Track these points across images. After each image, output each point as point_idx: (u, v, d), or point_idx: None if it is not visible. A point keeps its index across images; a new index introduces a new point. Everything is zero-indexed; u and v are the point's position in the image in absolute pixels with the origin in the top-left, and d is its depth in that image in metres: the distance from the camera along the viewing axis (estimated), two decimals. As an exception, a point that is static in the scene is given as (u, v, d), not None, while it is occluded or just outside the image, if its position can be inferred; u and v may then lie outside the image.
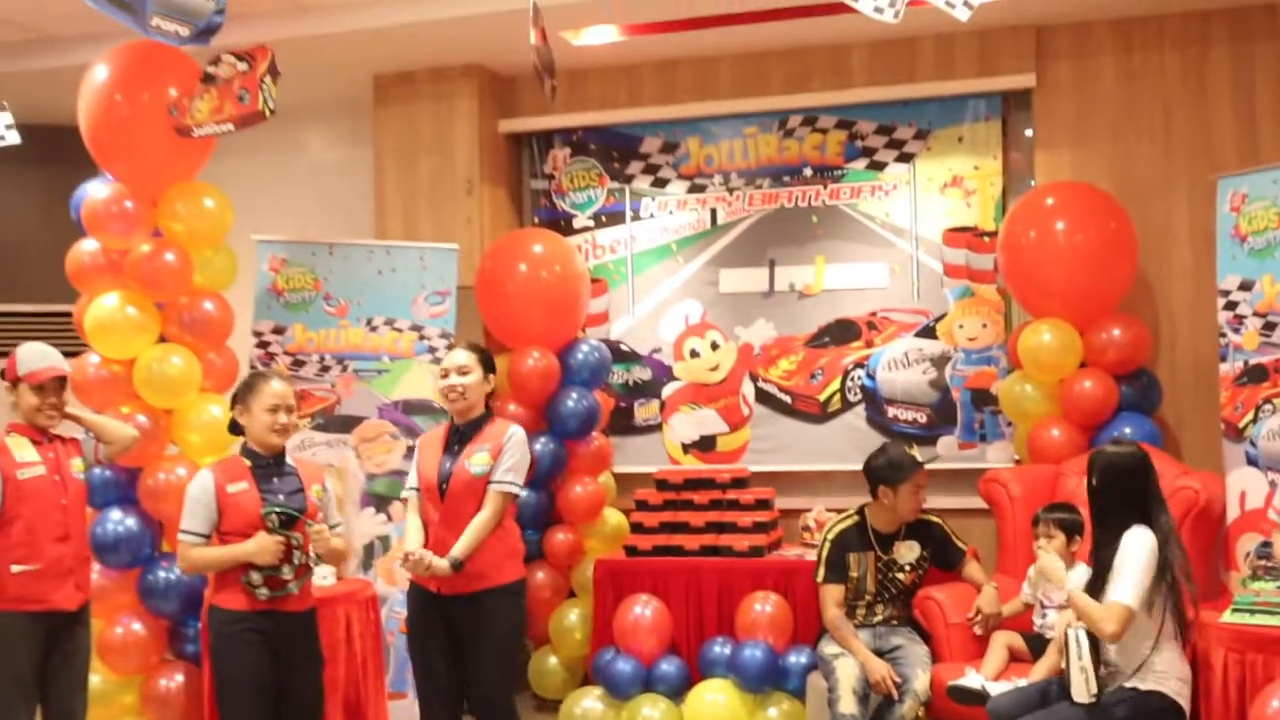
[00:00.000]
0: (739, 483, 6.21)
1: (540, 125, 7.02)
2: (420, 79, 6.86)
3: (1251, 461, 5.01)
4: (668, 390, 6.89)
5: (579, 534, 6.40)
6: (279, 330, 5.84)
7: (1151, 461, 4.37)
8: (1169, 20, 6.12)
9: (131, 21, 4.45)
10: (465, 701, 4.40)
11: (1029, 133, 6.44)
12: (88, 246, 5.21)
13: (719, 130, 6.84)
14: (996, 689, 4.52)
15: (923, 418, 6.49)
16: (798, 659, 5.51)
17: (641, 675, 5.74)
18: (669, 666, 5.76)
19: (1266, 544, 4.65)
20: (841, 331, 6.63)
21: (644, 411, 6.93)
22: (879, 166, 6.60)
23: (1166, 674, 4.20)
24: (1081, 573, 4.49)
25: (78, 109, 5.21)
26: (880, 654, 4.95)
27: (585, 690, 5.90)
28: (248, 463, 4.20)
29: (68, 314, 5.40)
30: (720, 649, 5.67)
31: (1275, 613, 4.36)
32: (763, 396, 6.74)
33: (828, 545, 5.15)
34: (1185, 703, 4.23)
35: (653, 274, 6.94)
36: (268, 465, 4.22)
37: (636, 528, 6.15)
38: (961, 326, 6.46)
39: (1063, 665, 4.26)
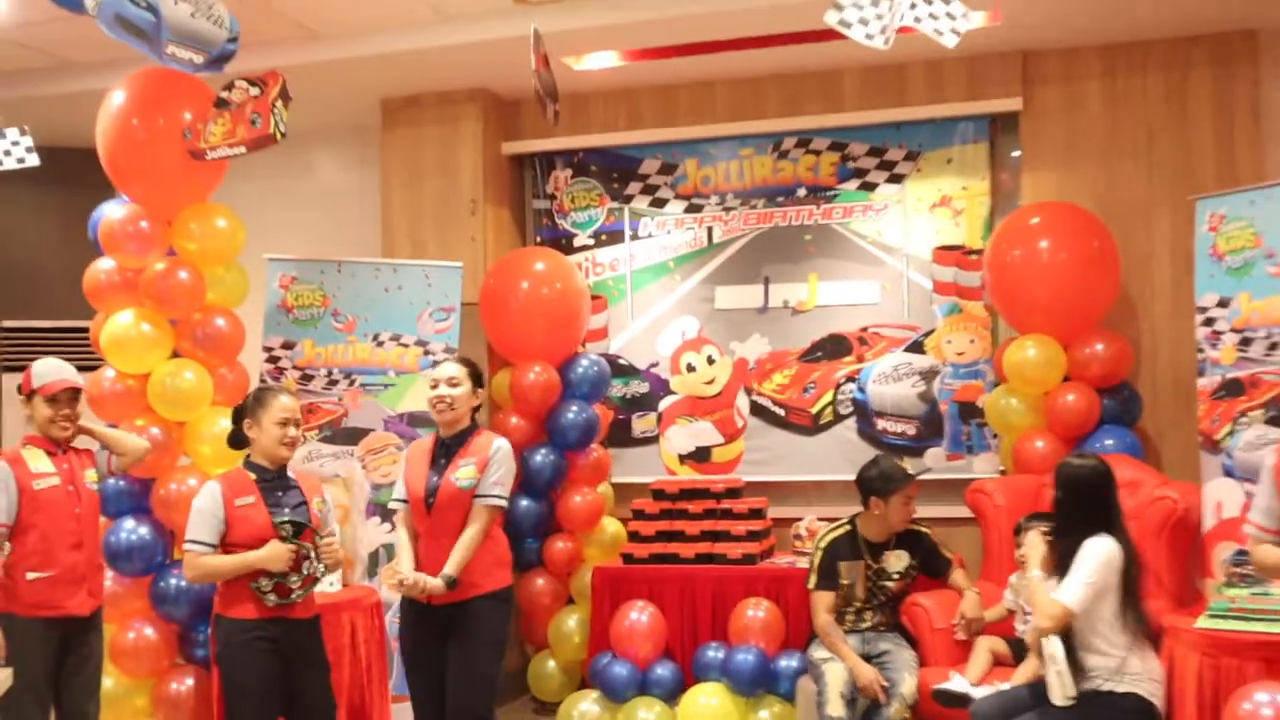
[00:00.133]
0: (733, 493, 6.21)
1: (542, 147, 7.04)
2: (426, 103, 6.89)
3: (1228, 472, 5.04)
4: (665, 403, 6.90)
5: (578, 542, 6.41)
6: (289, 345, 5.85)
7: (1112, 474, 4.38)
8: (1152, 46, 6.15)
9: (148, 49, 4.47)
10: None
11: (1016, 154, 6.46)
12: (104, 265, 5.22)
13: (716, 152, 6.86)
14: (980, 693, 4.55)
15: (912, 430, 6.50)
16: (788, 663, 5.50)
17: (637, 679, 5.74)
18: (664, 670, 5.76)
19: (1242, 552, 4.66)
20: (833, 346, 6.65)
21: (642, 424, 6.94)
22: (870, 187, 6.61)
23: (1141, 676, 4.24)
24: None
25: (96, 132, 5.22)
26: (868, 659, 4.97)
27: (583, 693, 5.91)
28: (253, 476, 4.18)
29: (85, 330, 5.41)
30: (714, 653, 5.67)
31: (1249, 619, 4.36)
32: (757, 409, 6.75)
33: (820, 553, 5.17)
34: (1160, 703, 4.28)
35: (651, 291, 6.96)
36: (273, 479, 4.21)
37: (634, 536, 6.16)
38: (949, 342, 6.48)
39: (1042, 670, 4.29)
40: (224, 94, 4.80)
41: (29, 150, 5.49)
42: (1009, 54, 6.30)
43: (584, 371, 6.50)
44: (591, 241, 7.06)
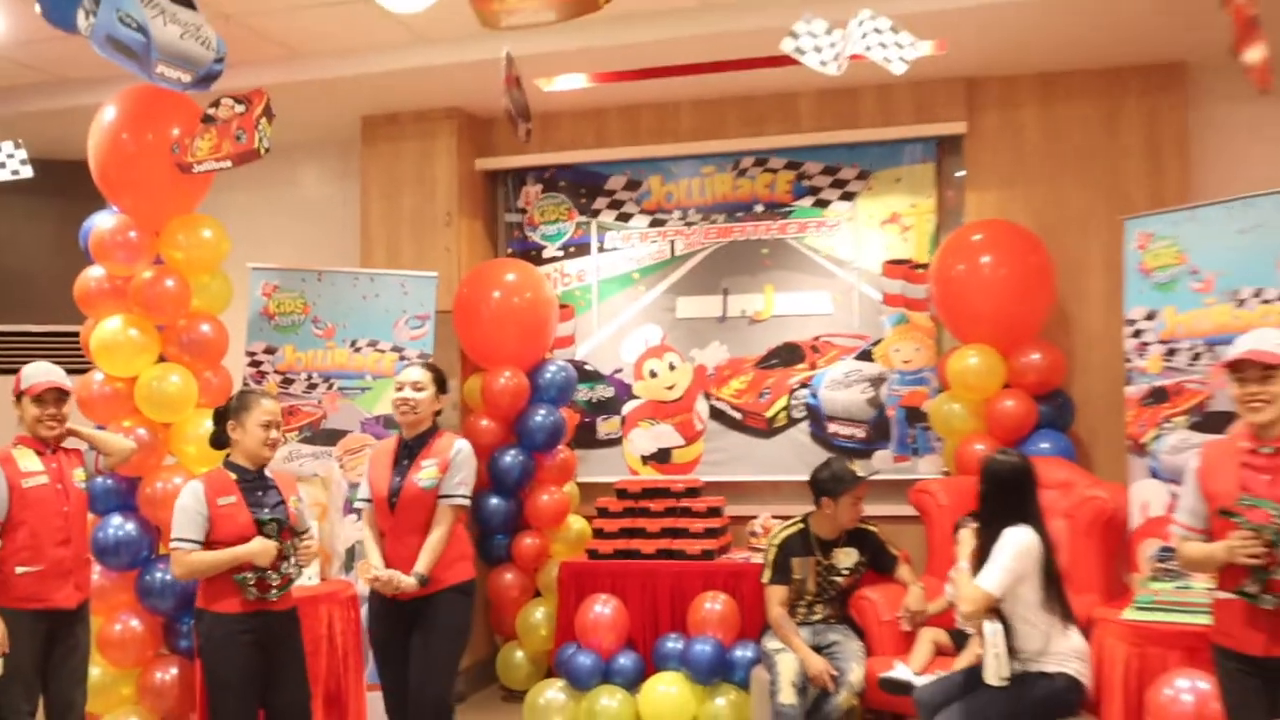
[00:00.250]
0: (692, 492, 6.19)
1: (514, 163, 7.05)
2: (404, 120, 6.90)
3: (1154, 474, 5.13)
4: (628, 407, 6.92)
5: (545, 539, 6.42)
6: (270, 351, 5.84)
7: (1033, 471, 4.42)
8: (1087, 75, 6.20)
9: (138, 69, 4.46)
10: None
11: (960, 174, 6.50)
12: (94, 273, 5.20)
13: (678, 169, 6.88)
14: (922, 681, 4.58)
15: (861, 433, 6.54)
16: (744, 653, 5.51)
17: (601, 668, 5.75)
18: (626, 660, 5.76)
19: (1166, 549, 4.73)
20: (788, 354, 6.68)
21: (606, 426, 6.96)
22: (824, 204, 6.65)
23: (1068, 655, 4.30)
24: None
25: (87, 146, 5.19)
26: (819, 649, 4.99)
27: (549, 682, 5.90)
28: (233, 476, 4.15)
29: (75, 334, 5.38)
30: (673, 644, 5.68)
31: (1172, 610, 4.45)
32: (715, 413, 6.78)
33: (774, 550, 5.19)
34: (1087, 680, 4.33)
35: (616, 300, 6.97)
36: (253, 479, 4.18)
37: (598, 533, 6.15)
38: (897, 350, 6.51)
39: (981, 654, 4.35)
40: (210, 110, 4.79)
41: (23, 162, 5.47)
42: (954, 80, 6.35)
43: (552, 377, 6.52)
44: (560, 253, 7.08)
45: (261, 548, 4.03)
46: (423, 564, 4.18)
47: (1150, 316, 5.22)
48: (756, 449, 6.70)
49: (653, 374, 6.89)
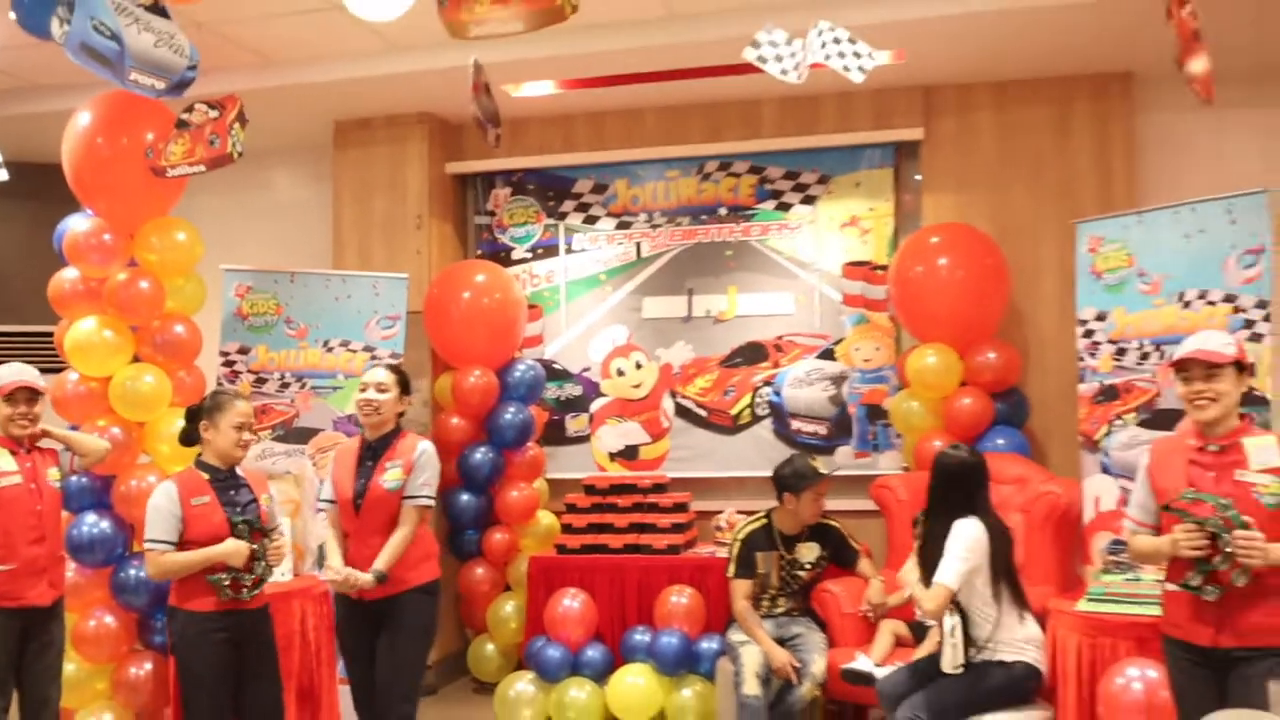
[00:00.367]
0: (659, 488, 6.20)
1: (483, 167, 7.04)
2: (376, 125, 6.87)
3: (1105, 470, 5.15)
4: (596, 405, 6.92)
5: (515, 534, 6.41)
6: (244, 351, 5.79)
7: (984, 466, 4.45)
8: (1039, 83, 6.24)
9: (112, 75, 4.40)
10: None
11: (918, 178, 6.53)
12: (69, 274, 5.14)
13: (644, 173, 6.89)
14: (883, 672, 4.59)
15: (823, 430, 6.56)
16: (709, 645, 5.50)
17: (570, 660, 5.73)
18: (594, 653, 5.75)
19: (1118, 542, 4.76)
20: (752, 353, 6.69)
21: (574, 424, 6.95)
22: (786, 207, 6.67)
23: (1025, 645, 4.33)
24: None
25: (62, 150, 5.15)
26: (782, 641, 4.99)
27: (519, 674, 5.88)
28: (205, 476, 4.11)
29: (49, 334, 5.33)
30: (640, 637, 5.67)
31: (1123, 602, 4.47)
32: (681, 411, 6.78)
33: (738, 545, 5.18)
34: (1043, 666, 4.37)
35: (583, 301, 6.97)
36: (225, 478, 4.14)
37: (566, 528, 6.13)
38: (857, 349, 6.54)
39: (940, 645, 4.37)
40: (184, 115, 4.75)
41: (0, 166, 5.41)
42: (912, 88, 6.37)
43: (521, 375, 6.51)
44: (529, 255, 7.06)
45: (234, 548, 4.00)
46: (382, 561, 4.13)
47: (1101, 317, 5.25)
48: (721, 446, 6.70)
49: (620, 373, 6.89)
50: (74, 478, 4.80)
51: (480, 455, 6.36)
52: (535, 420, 6.57)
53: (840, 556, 5.26)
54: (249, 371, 5.79)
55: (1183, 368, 3.35)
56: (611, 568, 5.90)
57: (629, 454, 6.85)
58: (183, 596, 4.04)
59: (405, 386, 4.36)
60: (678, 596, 5.64)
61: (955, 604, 4.24)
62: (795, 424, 6.59)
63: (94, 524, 4.97)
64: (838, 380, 6.55)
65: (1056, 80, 6.21)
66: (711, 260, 6.77)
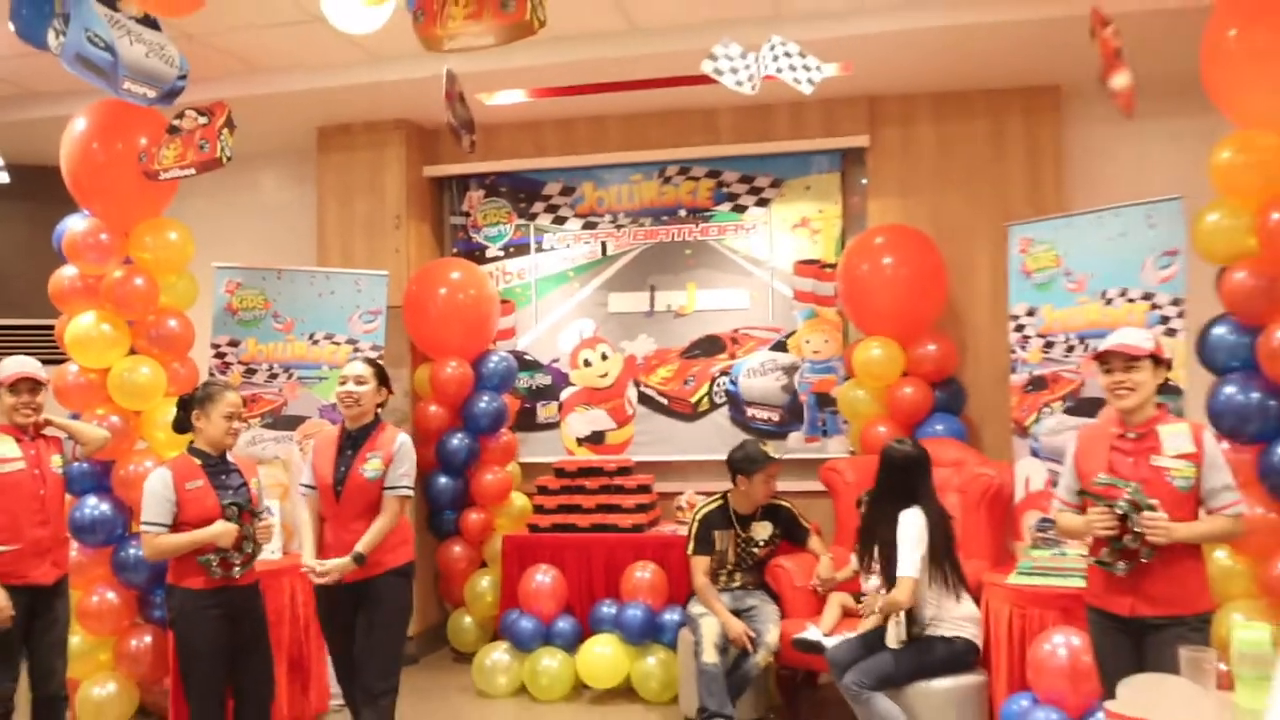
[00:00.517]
0: (624, 471, 6.24)
1: (458, 171, 7.02)
2: (356, 131, 6.85)
3: (1034, 453, 5.24)
4: (565, 393, 6.93)
5: (490, 514, 6.42)
6: (234, 343, 5.78)
7: (926, 459, 4.54)
8: (975, 95, 6.28)
9: (106, 85, 4.38)
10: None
11: (864, 183, 6.55)
12: (68, 272, 5.13)
13: (609, 177, 6.89)
14: (831, 641, 4.66)
15: (776, 417, 6.60)
16: (671, 617, 5.54)
17: (542, 632, 5.77)
18: (565, 624, 5.79)
19: (1045, 520, 4.87)
20: (710, 345, 6.72)
21: (545, 411, 6.96)
22: (741, 209, 6.70)
23: (963, 622, 4.44)
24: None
25: (60, 154, 5.13)
26: (739, 613, 5.03)
27: (495, 644, 5.91)
28: (198, 461, 4.10)
29: (50, 328, 5.31)
30: (607, 609, 5.72)
31: (1050, 575, 4.58)
32: (644, 399, 6.81)
33: (696, 524, 5.22)
34: (979, 641, 4.47)
35: (553, 296, 6.98)
36: (216, 464, 4.13)
37: (538, 509, 6.16)
38: (808, 342, 6.58)
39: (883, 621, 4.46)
40: (175, 121, 4.72)
41: (0, 169, 5.37)
42: (858, 99, 6.41)
43: (494, 366, 6.52)
44: (501, 253, 7.06)
45: (222, 530, 4.00)
46: (363, 544, 4.05)
47: (1031, 313, 5.33)
48: (682, 431, 6.74)
49: (587, 363, 6.91)
50: (75, 464, 4.79)
51: (457, 441, 6.37)
52: (508, 408, 6.58)
53: (792, 534, 5.31)
54: (239, 363, 5.78)
55: (1104, 360, 3.42)
56: (580, 545, 5.93)
57: (596, 439, 6.87)
58: (179, 575, 4.05)
59: (383, 379, 4.28)
60: (642, 572, 5.68)
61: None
62: (750, 411, 6.64)
63: (95, 506, 4.98)
64: (789, 370, 6.60)
65: (991, 93, 6.25)
66: (672, 258, 6.79)
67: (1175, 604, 3.25)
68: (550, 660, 5.71)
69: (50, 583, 4.30)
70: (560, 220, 6.98)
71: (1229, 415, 4.11)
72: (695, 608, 5.11)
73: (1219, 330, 4.24)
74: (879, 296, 5.92)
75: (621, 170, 6.87)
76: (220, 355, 5.75)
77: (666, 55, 5.55)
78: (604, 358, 6.89)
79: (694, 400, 6.73)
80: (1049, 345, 5.22)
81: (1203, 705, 2.42)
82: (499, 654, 5.84)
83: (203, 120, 4.69)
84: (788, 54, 4.35)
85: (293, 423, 5.85)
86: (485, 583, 6.33)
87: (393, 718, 4.16)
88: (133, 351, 5.15)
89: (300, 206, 7.21)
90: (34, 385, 4.31)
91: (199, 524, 4.00)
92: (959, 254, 6.17)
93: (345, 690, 4.32)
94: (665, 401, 6.79)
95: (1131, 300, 4.89)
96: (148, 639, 5.09)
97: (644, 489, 6.18)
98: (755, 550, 5.23)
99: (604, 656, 5.59)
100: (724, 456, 5.36)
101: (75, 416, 4.89)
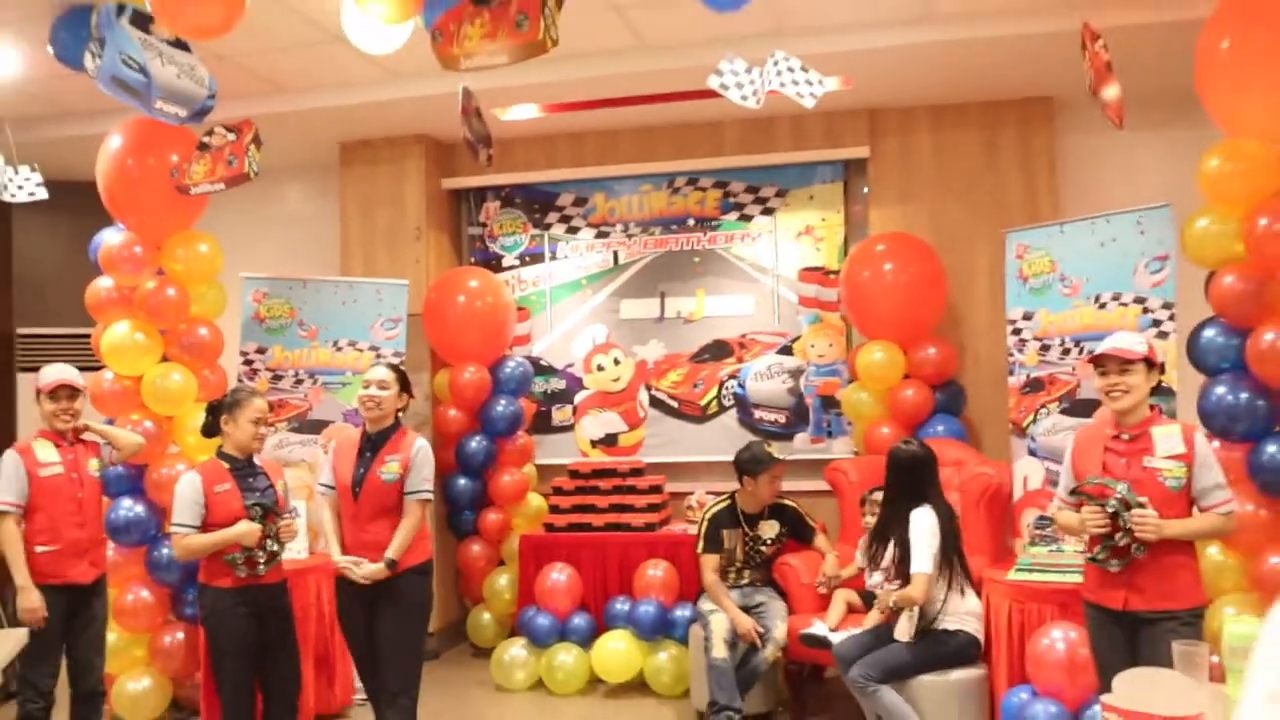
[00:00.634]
0: (636, 472, 6.23)
1: (475, 183, 7.02)
2: (378, 146, 6.86)
3: (1032, 453, 5.20)
4: (579, 397, 6.93)
5: (507, 514, 6.43)
6: (261, 350, 5.81)
7: (932, 458, 4.53)
8: (971, 107, 6.28)
9: (139, 104, 4.42)
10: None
11: (865, 192, 6.54)
12: (104, 283, 5.16)
13: (620, 188, 6.90)
14: (837, 637, 4.65)
15: (782, 418, 6.59)
16: (683, 613, 5.54)
17: (558, 628, 5.78)
18: (580, 620, 5.79)
19: (1043, 518, 4.85)
20: (718, 350, 6.72)
21: (560, 414, 6.96)
22: (747, 218, 6.70)
23: (967, 616, 4.43)
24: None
25: (96, 170, 5.16)
26: (747, 609, 5.02)
27: (512, 640, 5.92)
28: (226, 465, 4.12)
29: (87, 336, 5.35)
30: (621, 606, 5.72)
31: (1048, 571, 4.57)
32: (655, 402, 6.81)
33: (706, 523, 5.21)
34: (980, 635, 4.46)
35: (567, 303, 6.98)
36: (243, 467, 4.15)
37: (554, 509, 6.16)
38: (813, 346, 6.58)
39: (891, 615, 4.45)
40: (205, 138, 4.76)
41: (39, 185, 5.42)
42: (858, 111, 6.40)
43: (511, 371, 6.52)
44: (517, 262, 7.07)
45: (246, 529, 4.02)
46: (394, 550, 4.02)
47: (1027, 317, 5.31)
48: (692, 433, 6.73)
49: (600, 368, 6.91)
50: (111, 467, 4.82)
51: (475, 443, 6.38)
52: (524, 411, 6.58)
53: (798, 533, 5.29)
54: (266, 369, 5.81)
55: (1100, 363, 3.42)
56: (594, 544, 5.93)
57: (609, 441, 6.87)
58: (210, 574, 4.08)
59: (405, 384, 4.24)
60: (654, 569, 5.68)
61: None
62: (758, 413, 6.63)
63: (129, 508, 5.01)
64: (795, 374, 6.59)
65: (987, 105, 6.25)
66: (681, 266, 6.79)
67: (1167, 599, 3.25)
68: (566, 655, 5.71)
69: (89, 582, 4.33)
70: (573, 230, 6.99)
71: (1219, 415, 4.10)
72: (705, 604, 5.10)
73: (1209, 332, 4.22)
74: (881, 302, 5.91)
75: (632, 181, 6.87)
76: (248, 362, 5.78)
77: (674, 71, 5.56)
78: (616, 362, 6.89)
79: (703, 403, 6.73)
80: (1045, 348, 5.21)
81: (1196, 697, 2.42)
82: (517, 649, 5.84)
83: (231, 137, 4.73)
84: (790, 69, 4.35)
85: (318, 427, 5.87)
86: (503, 580, 6.33)
87: (414, 716, 4.14)
88: (165, 359, 5.18)
89: (324, 218, 7.23)
90: (72, 392, 4.34)
91: (226, 525, 4.02)
92: (958, 260, 6.16)
93: (367, 687, 4.31)
94: (676, 404, 6.78)
95: (1124, 304, 4.88)
96: (180, 635, 5.12)
97: (655, 489, 6.17)
98: (763, 549, 5.22)
99: (618, 652, 5.59)
100: (731, 457, 5.35)
101: (111, 422, 4.91)
